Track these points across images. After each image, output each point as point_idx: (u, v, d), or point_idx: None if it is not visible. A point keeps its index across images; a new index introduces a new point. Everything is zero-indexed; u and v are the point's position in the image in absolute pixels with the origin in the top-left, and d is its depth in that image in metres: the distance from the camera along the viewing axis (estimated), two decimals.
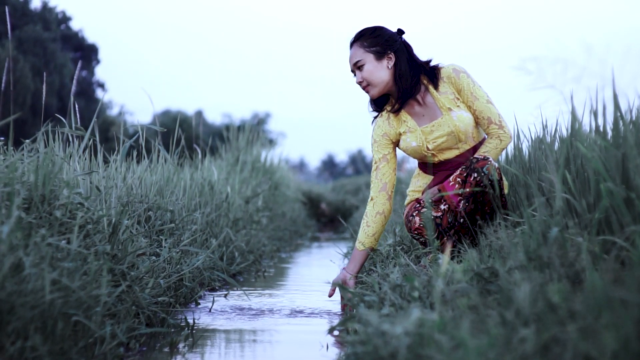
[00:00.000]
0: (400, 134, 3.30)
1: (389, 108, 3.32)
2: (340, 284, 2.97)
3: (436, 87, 3.23)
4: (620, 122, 2.20)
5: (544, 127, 3.15)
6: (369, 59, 3.22)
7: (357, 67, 3.25)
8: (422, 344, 1.62)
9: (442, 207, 3.12)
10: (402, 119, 3.28)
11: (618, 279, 1.68)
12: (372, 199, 3.33)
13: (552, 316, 1.57)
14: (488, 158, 3.01)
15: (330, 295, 3.33)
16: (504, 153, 3.75)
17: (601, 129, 2.38)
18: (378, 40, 3.22)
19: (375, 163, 3.34)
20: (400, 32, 3.28)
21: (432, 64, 3.27)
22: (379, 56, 3.21)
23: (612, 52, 2.18)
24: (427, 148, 3.23)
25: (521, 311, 1.64)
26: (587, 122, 2.53)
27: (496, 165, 3.01)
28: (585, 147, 2.24)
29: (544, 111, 3.18)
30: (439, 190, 3.14)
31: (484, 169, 2.98)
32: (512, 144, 3.39)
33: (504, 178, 3.14)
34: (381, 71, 3.21)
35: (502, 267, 1.98)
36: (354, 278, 3.28)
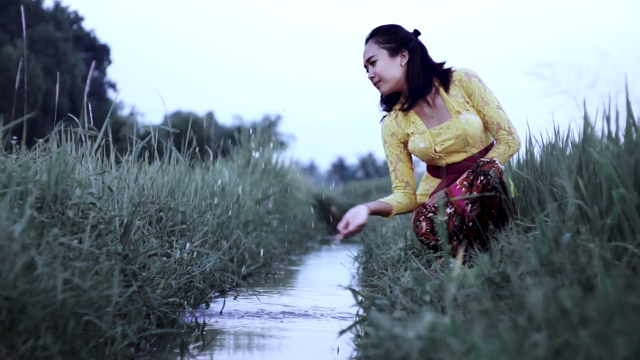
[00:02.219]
0: (408, 135, 3.30)
1: (398, 107, 3.33)
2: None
3: (447, 89, 3.23)
4: (633, 129, 2.19)
5: (556, 133, 3.14)
6: (382, 55, 3.22)
7: (370, 62, 3.26)
8: (434, 347, 1.61)
9: (449, 210, 3.11)
10: (411, 120, 3.29)
11: (630, 285, 1.67)
12: (395, 192, 3.34)
13: (564, 321, 1.57)
14: (495, 161, 3.00)
15: None
16: (514, 157, 3.74)
17: (614, 135, 2.37)
18: (393, 38, 3.23)
19: (392, 164, 3.35)
20: (417, 32, 3.28)
21: (445, 66, 3.28)
22: (393, 53, 3.22)
23: (627, 58, 2.18)
24: (435, 150, 3.23)
25: (533, 316, 1.63)
26: (599, 128, 2.52)
27: (503, 167, 3.00)
28: (597, 153, 2.23)
29: (557, 117, 3.16)
30: (446, 194, 3.14)
31: (491, 172, 2.98)
32: (523, 149, 3.38)
33: (510, 182, 3.13)
34: (394, 68, 3.22)
35: (514, 272, 1.97)
36: (368, 209, 3.21)
